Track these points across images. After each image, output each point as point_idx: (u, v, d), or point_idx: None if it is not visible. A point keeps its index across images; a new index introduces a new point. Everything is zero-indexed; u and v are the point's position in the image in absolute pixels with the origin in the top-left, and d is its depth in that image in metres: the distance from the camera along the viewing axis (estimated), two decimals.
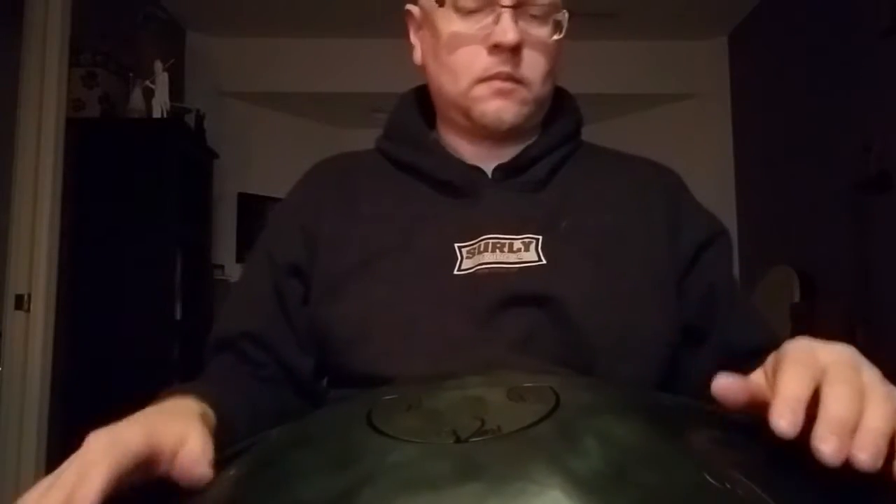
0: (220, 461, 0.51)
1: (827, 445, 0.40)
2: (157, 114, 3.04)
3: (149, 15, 3.30)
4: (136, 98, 3.04)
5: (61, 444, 2.70)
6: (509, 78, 0.80)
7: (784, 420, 0.41)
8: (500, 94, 0.80)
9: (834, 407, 0.42)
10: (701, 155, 3.87)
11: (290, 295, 0.83)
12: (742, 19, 3.84)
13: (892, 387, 0.45)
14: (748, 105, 3.87)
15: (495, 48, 0.78)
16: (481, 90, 0.81)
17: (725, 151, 4.00)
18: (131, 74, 3.09)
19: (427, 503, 0.35)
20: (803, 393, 0.43)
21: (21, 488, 2.54)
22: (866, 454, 0.39)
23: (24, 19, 2.71)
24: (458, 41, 0.81)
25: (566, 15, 0.82)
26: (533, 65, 0.80)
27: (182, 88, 3.78)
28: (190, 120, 3.43)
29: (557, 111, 0.89)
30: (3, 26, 2.92)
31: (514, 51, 0.78)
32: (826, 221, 3.03)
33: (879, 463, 0.39)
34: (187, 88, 3.85)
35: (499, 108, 0.81)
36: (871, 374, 0.46)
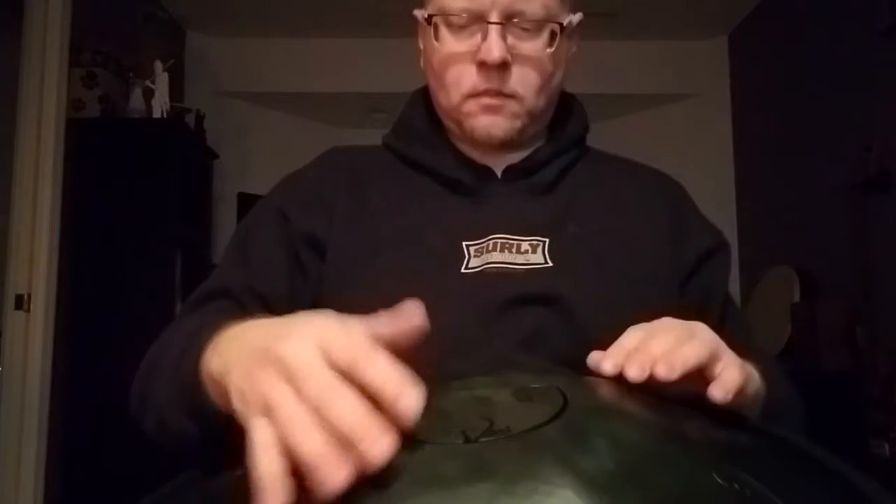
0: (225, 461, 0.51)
1: (605, 364, 0.54)
2: (157, 114, 3.04)
3: (149, 15, 3.30)
4: (136, 98, 3.04)
5: (61, 444, 2.70)
6: (498, 94, 0.79)
7: (606, 364, 0.54)
8: (489, 109, 0.80)
9: (625, 341, 0.55)
10: (701, 155, 3.88)
11: (308, 266, 0.79)
12: (742, 19, 3.84)
13: (710, 343, 0.54)
14: (748, 105, 3.87)
15: (482, 65, 0.78)
16: (471, 106, 0.81)
17: (725, 151, 4.00)
18: (131, 74, 3.09)
19: (439, 503, 0.35)
20: (630, 344, 0.55)
21: (21, 488, 2.55)
22: (632, 369, 0.51)
23: (24, 19, 2.70)
24: (448, 57, 0.80)
25: (575, 18, 0.82)
26: (523, 79, 0.79)
27: (182, 88, 3.77)
28: (190, 120, 3.43)
29: (566, 115, 0.90)
30: (3, 26, 2.92)
31: (502, 67, 0.78)
32: (826, 221, 3.03)
33: (643, 376, 0.51)
34: (187, 88, 3.85)
35: (488, 123, 0.81)
36: (697, 331, 0.56)
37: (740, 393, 0.53)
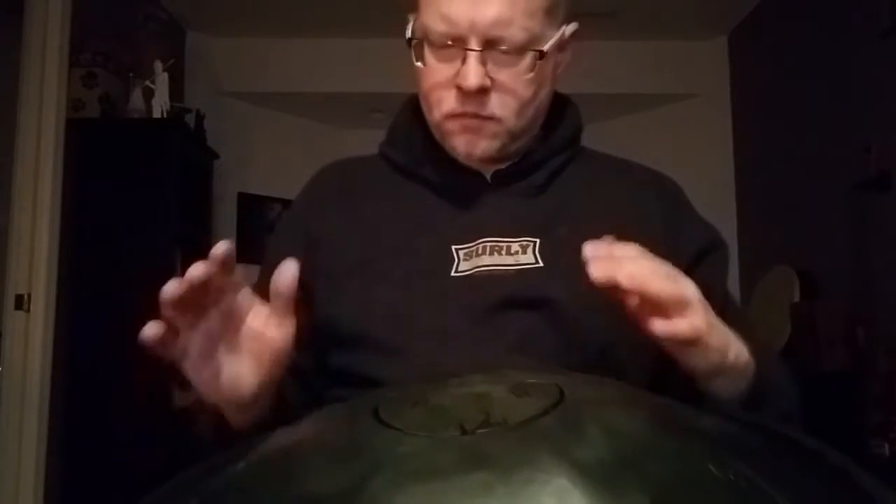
0: (227, 458, 0.51)
1: (587, 249, 0.60)
2: (157, 114, 3.04)
3: (149, 15, 3.30)
4: (136, 98, 3.04)
5: (61, 444, 2.70)
6: (475, 116, 0.79)
7: (588, 249, 0.60)
8: (468, 130, 0.81)
9: (616, 249, 0.61)
10: (701, 155, 3.88)
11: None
12: (742, 19, 3.84)
13: (685, 290, 0.61)
14: (748, 105, 3.87)
15: (461, 89, 0.78)
16: (451, 125, 0.81)
17: (725, 151, 4.00)
18: (131, 74, 3.09)
19: (435, 492, 0.36)
20: (618, 253, 0.61)
21: (21, 488, 2.55)
22: (597, 268, 0.58)
23: (24, 19, 2.71)
24: (431, 75, 0.81)
25: (568, 29, 0.81)
26: (503, 103, 0.79)
27: (182, 88, 3.77)
28: (190, 120, 3.43)
29: (558, 118, 0.90)
30: (3, 26, 2.92)
31: (481, 92, 0.78)
32: (826, 221, 3.03)
33: (602, 276, 0.58)
34: (187, 88, 3.85)
35: (467, 142, 0.81)
36: (679, 277, 0.62)
37: (698, 343, 0.60)
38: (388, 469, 0.38)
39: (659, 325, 0.59)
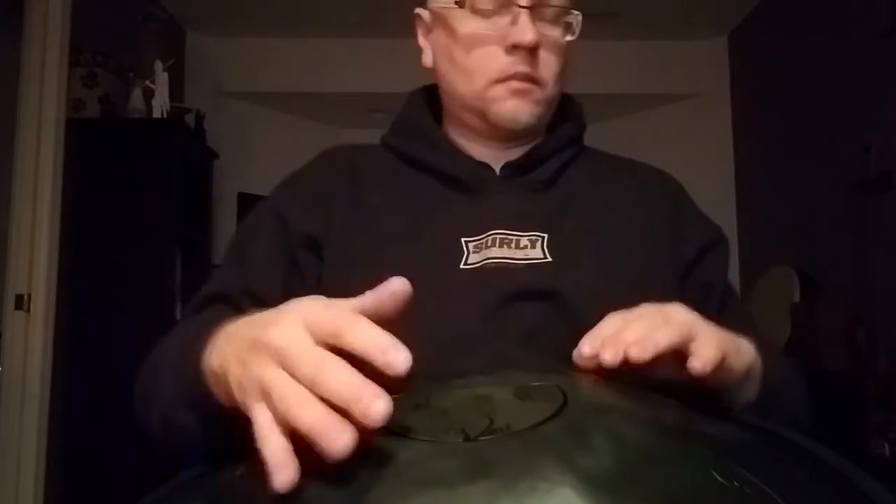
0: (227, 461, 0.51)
1: (583, 348, 0.56)
2: (157, 114, 3.03)
3: (149, 15, 3.30)
4: (136, 98, 3.04)
5: (61, 444, 2.70)
6: (526, 78, 0.80)
7: (584, 348, 0.56)
8: (517, 94, 0.81)
9: (602, 328, 0.57)
10: (701, 155, 3.87)
11: (306, 267, 0.80)
12: (742, 19, 3.84)
13: (683, 324, 0.56)
14: (748, 105, 3.87)
15: (514, 48, 0.79)
16: (498, 91, 0.81)
17: (725, 151, 4.00)
18: (131, 74, 3.08)
19: (439, 501, 0.36)
20: (607, 331, 0.56)
21: (21, 488, 2.55)
22: (606, 354, 0.53)
23: (24, 19, 2.70)
24: (475, 42, 0.81)
25: (579, 17, 0.83)
26: (548, 65, 0.81)
27: (182, 88, 3.77)
28: (190, 120, 3.43)
29: (562, 114, 0.90)
30: (3, 26, 2.92)
31: (532, 51, 0.79)
32: (826, 221, 3.03)
33: (616, 360, 0.52)
34: (187, 88, 3.84)
35: (515, 107, 0.82)
36: (671, 315, 0.57)
37: (723, 367, 0.55)
38: (391, 476, 0.38)
39: (696, 364, 0.54)
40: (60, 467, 2.70)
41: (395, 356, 0.42)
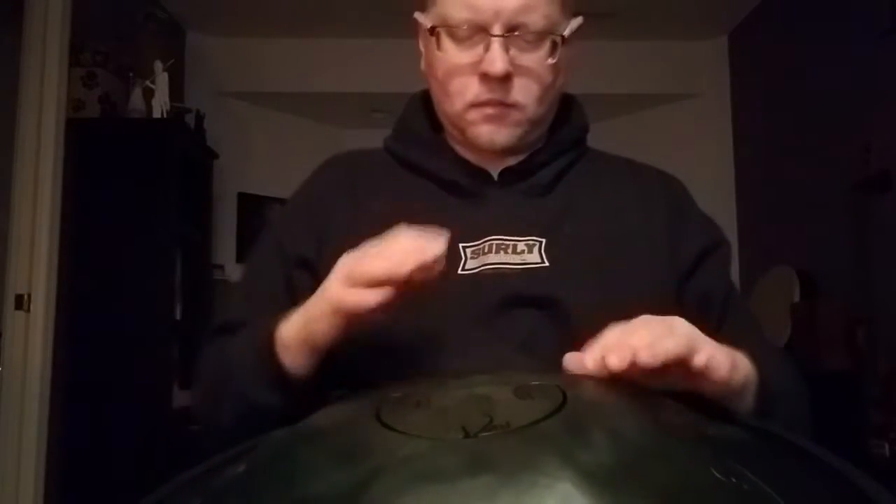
0: (228, 459, 0.51)
1: (587, 360, 0.55)
2: (157, 114, 3.04)
3: (149, 15, 3.30)
4: (136, 98, 3.04)
5: (61, 444, 2.70)
6: (500, 104, 0.80)
7: (588, 360, 0.55)
8: (491, 119, 0.81)
9: (604, 339, 0.57)
10: (701, 155, 3.87)
11: (300, 287, 0.82)
12: (742, 19, 3.84)
13: (688, 335, 0.56)
14: (748, 105, 3.87)
15: (485, 76, 0.78)
16: (473, 115, 0.81)
17: (725, 151, 4.00)
18: (131, 74, 3.08)
19: (439, 496, 0.36)
20: (610, 341, 0.56)
21: (21, 488, 2.55)
22: (612, 358, 0.53)
23: (24, 19, 2.71)
24: (451, 67, 0.81)
25: (568, 29, 0.81)
26: (525, 89, 0.80)
27: (182, 88, 3.77)
28: (190, 120, 3.43)
29: (564, 117, 0.90)
30: (3, 26, 2.92)
31: (504, 78, 0.78)
32: (826, 221, 3.03)
33: (623, 364, 0.52)
34: (187, 88, 3.84)
35: (490, 131, 0.81)
36: (675, 326, 0.58)
37: (727, 381, 0.57)
38: (391, 472, 0.38)
39: (697, 376, 0.55)
40: (60, 466, 2.70)
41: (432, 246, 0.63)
